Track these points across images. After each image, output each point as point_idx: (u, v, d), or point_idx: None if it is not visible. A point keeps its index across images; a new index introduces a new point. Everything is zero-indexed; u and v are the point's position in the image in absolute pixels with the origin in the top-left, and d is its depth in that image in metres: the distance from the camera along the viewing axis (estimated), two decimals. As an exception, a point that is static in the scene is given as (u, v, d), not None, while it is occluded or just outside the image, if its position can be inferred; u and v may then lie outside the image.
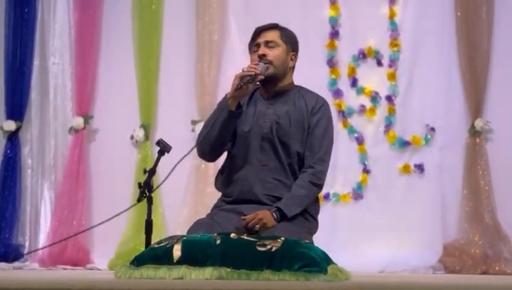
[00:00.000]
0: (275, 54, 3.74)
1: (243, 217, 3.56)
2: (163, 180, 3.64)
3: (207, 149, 3.75)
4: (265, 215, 3.55)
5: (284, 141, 3.72)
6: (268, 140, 3.72)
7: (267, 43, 3.75)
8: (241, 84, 3.59)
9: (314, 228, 3.77)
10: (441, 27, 6.22)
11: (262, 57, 3.72)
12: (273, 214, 3.57)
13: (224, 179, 3.80)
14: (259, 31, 3.79)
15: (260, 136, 3.72)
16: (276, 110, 3.75)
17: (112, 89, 6.64)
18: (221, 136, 3.67)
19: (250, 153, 3.72)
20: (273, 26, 3.82)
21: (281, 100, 3.78)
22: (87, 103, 6.62)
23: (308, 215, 3.73)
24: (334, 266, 3.26)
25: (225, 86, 5.92)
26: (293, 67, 3.85)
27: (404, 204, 6.14)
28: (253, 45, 3.79)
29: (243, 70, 3.64)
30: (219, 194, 3.90)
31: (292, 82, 3.86)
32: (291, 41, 3.83)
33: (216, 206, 3.80)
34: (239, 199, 3.70)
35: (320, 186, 3.74)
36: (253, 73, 3.61)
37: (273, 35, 3.78)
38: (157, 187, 3.73)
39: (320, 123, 3.76)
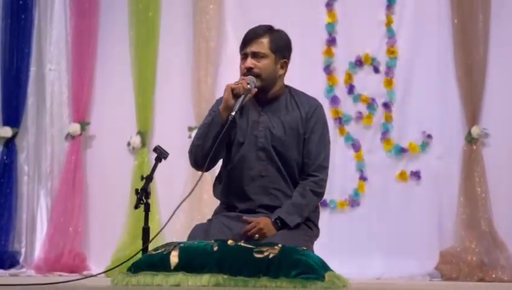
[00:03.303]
0: (262, 66, 3.64)
1: (244, 218, 3.53)
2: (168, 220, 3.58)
3: (201, 161, 3.65)
4: (265, 225, 3.53)
5: (279, 150, 3.67)
6: (264, 150, 3.67)
7: (254, 54, 3.65)
8: (242, 101, 3.54)
9: (315, 235, 3.75)
10: (437, 34, 6.24)
11: (249, 69, 3.64)
12: (274, 223, 3.55)
13: (223, 190, 3.73)
14: (249, 39, 3.68)
15: (256, 146, 3.67)
16: (269, 118, 3.70)
17: (109, 95, 6.64)
18: (215, 148, 3.57)
19: (248, 164, 3.66)
20: (264, 32, 3.69)
21: (273, 107, 3.72)
22: (83, 110, 6.63)
23: (311, 223, 3.72)
24: (331, 273, 3.25)
25: (222, 93, 5.90)
26: (285, 73, 3.76)
27: (400, 211, 6.14)
28: (242, 52, 3.70)
29: (235, 83, 3.58)
30: (216, 201, 3.88)
31: (283, 86, 3.78)
32: (281, 49, 3.71)
33: (217, 212, 3.76)
34: (241, 209, 3.67)
35: (321, 195, 3.71)
36: (242, 87, 3.55)
37: (261, 45, 3.65)
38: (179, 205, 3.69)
39: (316, 128, 3.71)
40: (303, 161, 3.69)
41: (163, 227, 3.55)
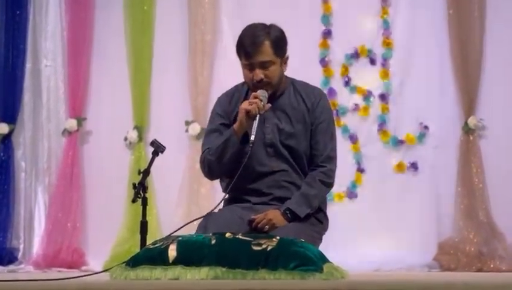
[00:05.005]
0: (271, 74, 3.62)
1: (252, 217, 3.53)
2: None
3: (216, 175, 3.74)
4: (275, 216, 3.53)
5: (288, 144, 3.67)
6: (273, 145, 3.67)
7: (261, 64, 3.61)
8: (258, 121, 3.52)
9: (324, 229, 3.75)
10: (433, 25, 6.24)
11: (260, 81, 3.61)
12: (284, 214, 3.55)
13: (233, 186, 3.63)
14: (251, 49, 3.58)
15: (264, 142, 3.66)
16: (275, 113, 3.68)
17: (105, 90, 6.64)
18: (233, 163, 3.60)
19: (257, 161, 3.65)
20: (263, 36, 3.60)
21: (278, 102, 3.70)
22: (80, 105, 6.62)
23: (321, 214, 3.72)
24: (330, 265, 3.25)
25: (218, 86, 5.91)
26: (286, 66, 3.75)
27: (398, 203, 6.15)
28: (246, 63, 3.63)
29: (249, 103, 3.55)
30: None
31: (286, 80, 3.76)
32: (282, 48, 3.67)
33: (228, 203, 3.74)
34: (254, 202, 3.66)
35: (330, 185, 3.72)
36: (257, 107, 3.52)
37: (265, 53, 3.59)
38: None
39: (322, 118, 3.71)
40: (311, 152, 3.70)
41: (173, 232, 3.51)
